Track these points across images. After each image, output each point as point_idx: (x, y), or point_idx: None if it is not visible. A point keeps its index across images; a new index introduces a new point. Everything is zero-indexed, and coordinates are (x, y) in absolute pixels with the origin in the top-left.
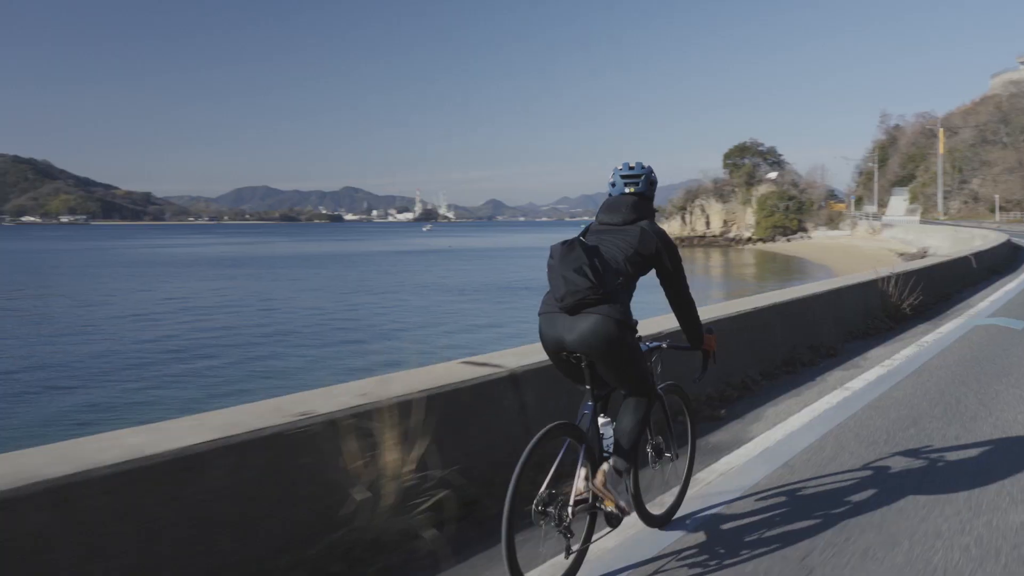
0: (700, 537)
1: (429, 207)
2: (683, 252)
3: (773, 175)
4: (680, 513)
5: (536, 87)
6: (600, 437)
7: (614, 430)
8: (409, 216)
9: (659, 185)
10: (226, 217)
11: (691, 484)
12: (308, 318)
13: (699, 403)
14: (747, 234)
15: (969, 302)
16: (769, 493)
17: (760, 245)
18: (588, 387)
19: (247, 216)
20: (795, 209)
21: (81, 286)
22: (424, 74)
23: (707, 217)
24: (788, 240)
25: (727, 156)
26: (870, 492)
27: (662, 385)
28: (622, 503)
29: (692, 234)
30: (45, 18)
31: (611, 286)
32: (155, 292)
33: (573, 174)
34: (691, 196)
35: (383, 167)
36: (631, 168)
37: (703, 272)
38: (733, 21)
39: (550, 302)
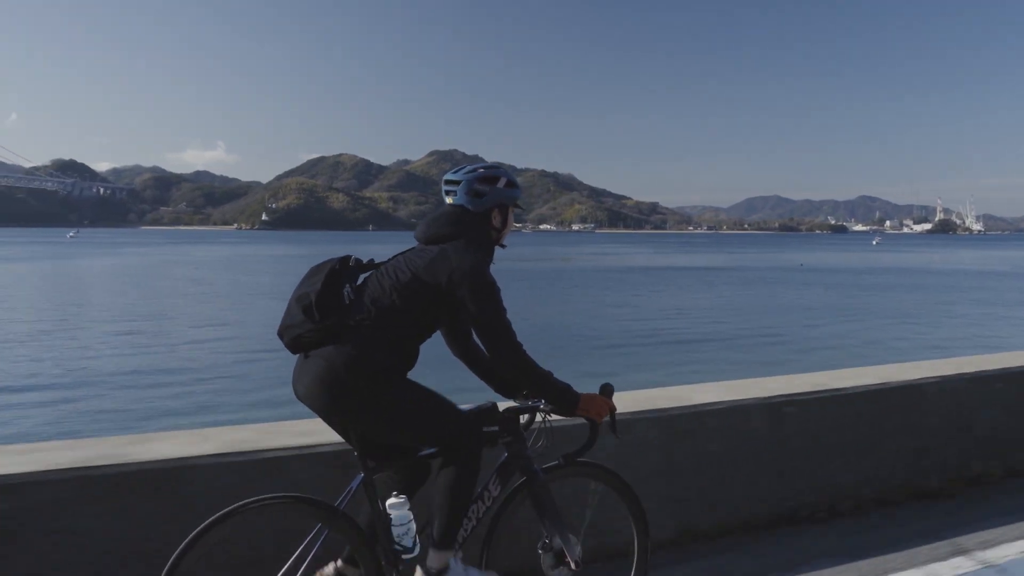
0: None
1: (952, 216)
2: None
3: None
4: None
5: None
6: (388, 522)
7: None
8: (926, 227)
9: None
10: (724, 227)
11: None
12: None
13: None
14: None
15: None
16: None
17: None
18: (356, 453)
19: (746, 226)
20: None
21: None
22: (950, 69)
23: None
24: None
25: None
26: None
27: (550, 464)
28: None
29: None
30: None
31: (340, 322)
32: None
33: None
34: None
35: (904, 174)
36: (454, 173)
37: None
38: None
39: None
